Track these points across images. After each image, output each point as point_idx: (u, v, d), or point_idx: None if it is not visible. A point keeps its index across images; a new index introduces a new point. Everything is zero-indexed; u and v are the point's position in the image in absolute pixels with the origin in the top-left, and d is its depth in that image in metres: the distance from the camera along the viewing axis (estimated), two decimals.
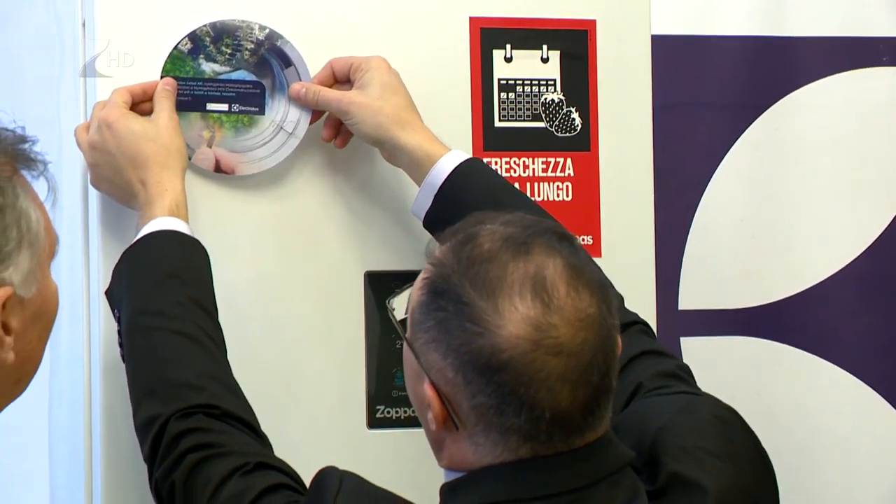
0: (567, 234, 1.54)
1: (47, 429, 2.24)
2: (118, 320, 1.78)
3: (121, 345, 1.78)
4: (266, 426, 1.72)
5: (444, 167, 1.83)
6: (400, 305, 1.61)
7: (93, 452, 1.95)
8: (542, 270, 1.48)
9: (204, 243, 1.82)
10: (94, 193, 1.94)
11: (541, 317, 1.42)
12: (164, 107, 1.87)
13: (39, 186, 1.50)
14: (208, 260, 1.82)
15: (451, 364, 1.47)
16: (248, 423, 1.72)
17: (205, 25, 1.83)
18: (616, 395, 1.61)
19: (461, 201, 1.78)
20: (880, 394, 2.50)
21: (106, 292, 1.81)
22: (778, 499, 1.64)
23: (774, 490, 1.64)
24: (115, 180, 1.87)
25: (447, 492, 1.52)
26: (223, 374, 1.77)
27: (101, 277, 1.90)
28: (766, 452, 1.61)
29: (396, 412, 1.98)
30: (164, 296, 1.78)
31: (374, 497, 1.57)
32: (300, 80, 1.89)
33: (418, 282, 1.51)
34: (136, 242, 1.79)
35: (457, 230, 1.56)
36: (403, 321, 1.56)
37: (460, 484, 1.51)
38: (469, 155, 1.87)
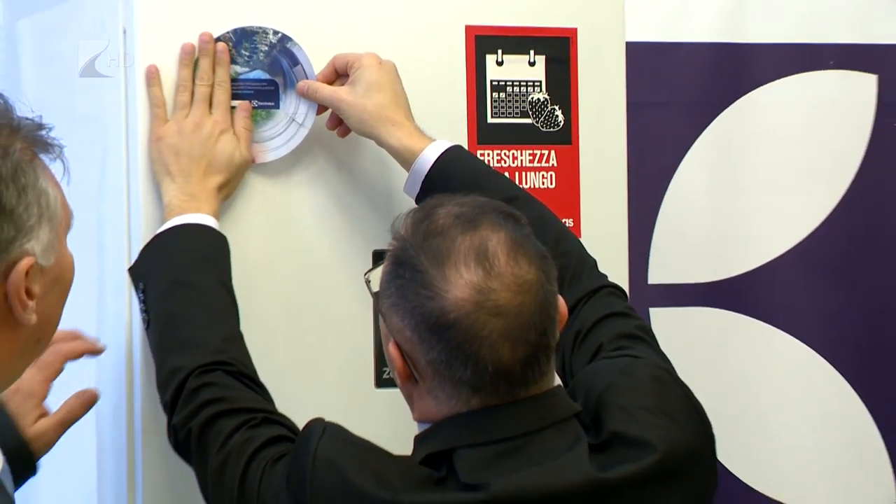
0: (513, 213, 1.59)
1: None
2: (142, 291, 1.82)
3: (144, 311, 1.82)
4: (282, 387, 1.75)
5: (427, 157, 1.85)
6: (375, 279, 1.65)
7: (134, 411, 1.95)
8: (486, 242, 1.53)
9: (227, 222, 1.85)
10: (135, 183, 1.93)
11: (482, 282, 1.48)
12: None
13: (55, 169, 1.50)
14: (230, 253, 1.86)
15: (408, 325, 1.53)
16: (258, 384, 1.75)
17: (228, 32, 1.85)
18: (580, 356, 1.73)
19: (447, 186, 1.78)
20: (825, 357, 2.50)
21: (130, 269, 1.84)
22: (714, 448, 1.66)
23: (711, 441, 1.65)
24: (166, 174, 1.90)
25: (418, 442, 1.57)
26: (240, 342, 1.80)
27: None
28: (700, 407, 1.64)
29: None
30: (199, 274, 1.82)
31: (353, 442, 1.61)
32: (306, 77, 1.92)
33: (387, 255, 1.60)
34: (172, 228, 1.83)
35: (417, 209, 1.63)
36: (377, 293, 1.61)
37: (426, 434, 1.57)
38: (452, 143, 1.89)
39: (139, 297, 1.82)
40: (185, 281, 1.83)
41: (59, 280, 1.49)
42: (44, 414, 1.91)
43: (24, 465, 1.88)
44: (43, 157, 1.45)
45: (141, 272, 1.82)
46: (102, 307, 2.08)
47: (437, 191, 1.78)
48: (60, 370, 1.90)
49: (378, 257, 1.81)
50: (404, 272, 1.53)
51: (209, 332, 1.79)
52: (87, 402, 1.91)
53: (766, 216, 2.47)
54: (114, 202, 1.98)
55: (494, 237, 1.52)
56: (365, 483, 1.52)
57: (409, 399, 1.59)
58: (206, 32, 1.89)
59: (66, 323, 1.93)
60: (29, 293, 1.40)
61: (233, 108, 1.96)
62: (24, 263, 1.39)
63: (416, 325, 1.51)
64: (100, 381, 2.14)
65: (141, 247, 1.86)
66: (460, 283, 1.48)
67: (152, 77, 1.91)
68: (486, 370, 1.48)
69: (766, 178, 2.47)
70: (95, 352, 1.92)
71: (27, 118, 1.44)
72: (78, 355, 1.92)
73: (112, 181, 1.99)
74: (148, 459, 1.94)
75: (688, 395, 1.65)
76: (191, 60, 1.91)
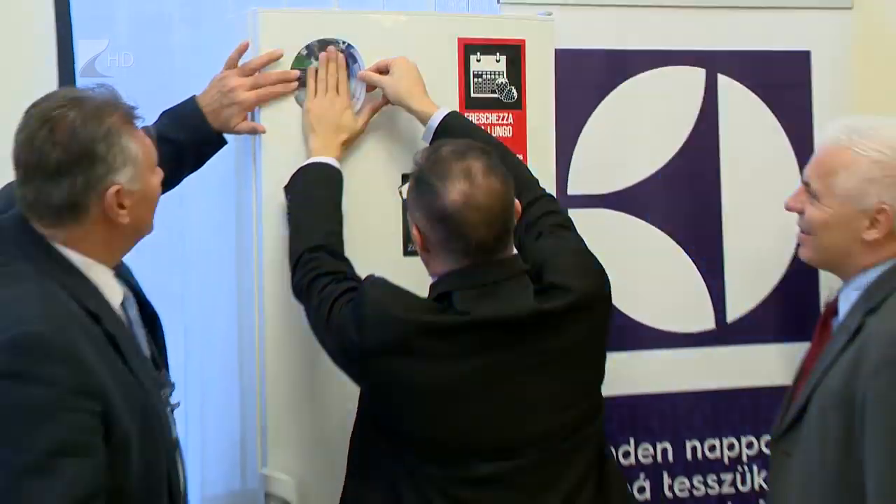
0: (487, 150, 1.89)
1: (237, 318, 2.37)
2: (288, 200, 2.10)
3: (288, 213, 2.11)
4: (351, 257, 2.04)
5: (436, 118, 2.11)
6: (404, 190, 2.01)
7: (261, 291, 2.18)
8: (470, 166, 1.83)
9: (299, 162, 2.13)
10: (260, 152, 2.17)
11: (468, 190, 1.80)
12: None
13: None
14: (342, 180, 2.13)
15: (424, 216, 1.84)
16: (343, 259, 2.03)
17: (314, 41, 2.14)
18: (530, 238, 2.03)
19: (448, 136, 2.07)
20: (673, 239, 2.62)
21: (284, 187, 2.12)
22: (610, 293, 1.98)
23: (608, 288, 1.97)
24: (311, 131, 2.15)
25: (431, 288, 1.89)
26: (338, 235, 2.08)
27: (263, 216, 2.14)
28: (602, 268, 1.97)
29: None
30: (319, 191, 2.11)
31: (391, 287, 1.89)
32: (361, 69, 2.19)
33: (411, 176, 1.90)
34: (310, 163, 2.13)
35: (428, 148, 1.95)
36: (405, 200, 1.95)
37: (436, 283, 1.88)
38: (451, 109, 2.14)
39: (287, 202, 2.12)
40: (310, 195, 2.10)
41: (145, 197, 1.74)
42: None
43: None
44: (134, 124, 1.71)
45: (288, 187, 2.11)
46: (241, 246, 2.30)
47: (442, 139, 2.10)
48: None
49: (405, 178, 2.13)
50: (421, 185, 1.85)
51: (320, 227, 2.06)
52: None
53: (640, 150, 2.59)
54: (246, 188, 2.23)
55: (475, 163, 1.82)
56: (397, 309, 1.83)
57: (426, 263, 1.91)
58: (330, 48, 2.15)
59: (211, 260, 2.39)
60: (121, 205, 1.69)
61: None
62: (112, 189, 1.67)
63: (428, 217, 1.83)
64: (240, 284, 2.41)
65: (264, 204, 2.14)
66: (454, 191, 1.79)
67: (311, 73, 2.16)
68: (470, 243, 1.80)
69: (641, 128, 2.59)
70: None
71: (123, 101, 1.72)
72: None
73: (243, 149, 2.24)
74: (270, 314, 2.16)
75: (594, 261, 1.98)
76: (325, 62, 2.16)
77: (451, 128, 2.09)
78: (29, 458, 1.50)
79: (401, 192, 2.13)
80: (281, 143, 2.15)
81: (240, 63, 2.19)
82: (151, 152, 1.74)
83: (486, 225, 1.80)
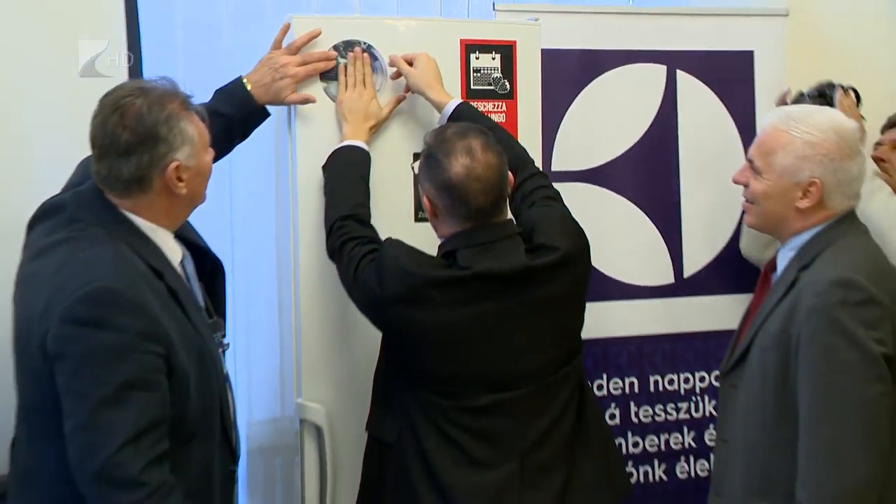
0: (485, 131, 1.92)
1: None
2: (324, 177, 2.12)
3: (324, 188, 2.13)
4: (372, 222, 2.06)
5: (448, 109, 2.16)
6: (416, 166, 2.06)
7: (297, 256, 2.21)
8: (471, 144, 1.87)
9: (329, 143, 2.16)
10: (297, 142, 2.18)
11: (469, 163, 1.86)
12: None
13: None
14: (370, 160, 2.15)
15: (433, 187, 1.89)
16: (369, 226, 2.05)
17: (340, 42, 2.21)
18: (524, 207, 2.05)
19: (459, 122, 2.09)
20: (638, 207, 2.66)
21: (322, 166, 2.15)
22: (589, 252, 2.02)
23: (588, 248, 2.01)
24: (344, 119, 2.18)
25: (439, 248, 1.94)
26: (366, 206, 2.10)
27: (299, 198, 2.17)
28: (583, 231, 2.01)
29: None
30: (349, 170, 2.14)
31: (405, 246, 1.91)
32: (382, 66, 2.22)
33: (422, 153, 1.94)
34: (343, 146, 2.16)
35: (436, 129, 1.97)
36: (416, 174, 2.01)
37: (444, 244, 1.93)
38: (461, 101, 2.18)
39: (323, 178, 2.15)
40: (342, 174, 2.14)
41: (199, 172, 1.77)
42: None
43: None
44: (190, 110, 1.72)
45: (325, 166, 2.15)
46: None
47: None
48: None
49: (416, 156, 2.18)
50: (430, 160, 1.91)
51: (349, 199, 2.10)
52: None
53: (612, 134, 2.62)
54: (283, 164, 2.27)
55: (475, 142, 1.88)
56: (410, 265, 1.87)
57: (434, 227, 1.97)
58: (356, 48, 2.19)
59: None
60: (179, 179, 1.72)
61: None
62: (173, 165, 1.70)
63: (436, 187, 1.89)
64: (279, 246, 2.43)
65: (299, 182, 2.17)
66: (458, 165, 1.85)
67: (342, 69, 2.19)
68: (471, 208, 1.87)
69: (612, 115, 2.62)
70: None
71: (181, 91, 1.75)
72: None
73: (283, 139, 2.29)
74: (305, 268, 2.18)
75: (577, 225, 2.02)
76: (353, 60, 2.20)
77: (461, 115, 2.12)
78: (105, 392, 1.55)
79: (413, 168, 2.19)
80: (312, 128, 2.20)
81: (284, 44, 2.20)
82: (205, 134, 1.77)
83: (484, 193, 1.86)
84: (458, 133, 1.92)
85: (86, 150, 1.71)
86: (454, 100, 2.17)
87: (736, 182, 2.04)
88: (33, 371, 1.62)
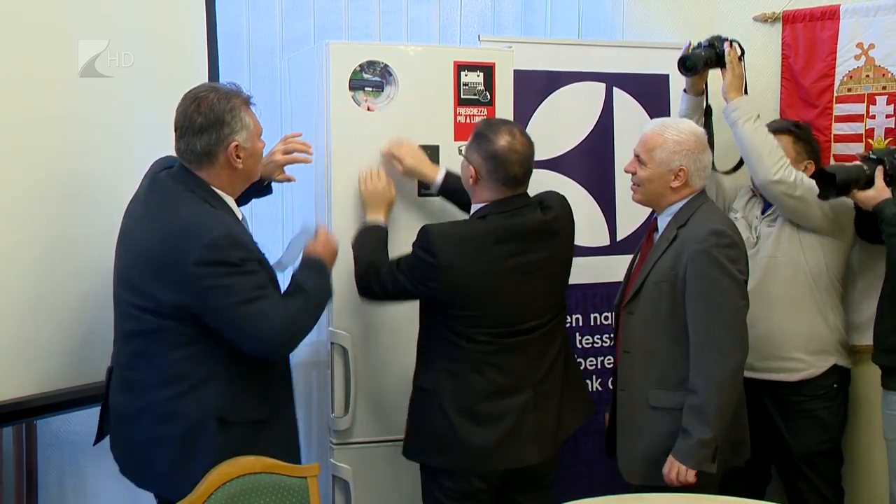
0: (518, 124, 2.10)
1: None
2: (356, 246, 2.20)
3: (355, 251, 2.20)
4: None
5: (440, 179, 2.33)
6: (464, 148, 2.15)
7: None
8: (512, 128, 2.07)
9: (355, 137, 2.32)
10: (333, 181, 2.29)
11: (510, 140, 2.06)
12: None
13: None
14: (387, 233, 2.23)
15: (479, 156, 2.06)
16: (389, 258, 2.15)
17: (364, 61, 2.36)
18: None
19: (451, 188, 2.30)
20: (589, 192, 2.85)
21: (353, 243, 2.22)
22: (574, 218, 2.22)
23: (572, 216, 2.22)
24: (366, 204, 2.27)
25: (473, 214, 2.11)
26: (387, 254, 2.17)
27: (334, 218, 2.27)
28: (568, 203, 2.22)
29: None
30: (382, 241, 2.23)
31: (446, 222, 2.09)
32: (395, 80, 2.34)
33: (473, 132, 2.11)
34: (373, 226, 2.26)
35: (485, 119, 2.21)
36: (465, 155, 2.14)
37: (479, 209, 2.08)
38: (446, 170, 2.30)
39: (355, 247, 2.20)
40: (369, 244, 2.22)
41: (253, 154, 1.91)
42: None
43: (264, 191, 2.28)
44: (249, 107, 1.90)
45: (356, 239, 2.23)
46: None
47: (448, 188, 2.29)
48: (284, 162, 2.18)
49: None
50: (479, 137, 2.09)
51: (374, 258, 2.19)
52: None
53: (565, 133, 2.78)
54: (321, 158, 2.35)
55: (514, 128, 2.10)
56: (456, 230, 2.05)
57: (472, 193, 2.11)
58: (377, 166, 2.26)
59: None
60: (238, 156, 1.86)
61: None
62: (233, 144, 1.85)
63: (483, 156, 2.07)
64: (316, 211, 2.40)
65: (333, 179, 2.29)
66: (502, 140, 2.05)
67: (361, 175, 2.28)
68: (508, 174, 2.05)
69: (566, 119, 2.81)
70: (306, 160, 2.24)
71: (246, 92, 1.91)
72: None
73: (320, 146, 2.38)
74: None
75: (566, 201, 2.24)
76: (368, 173, 2.26)
77: (449, 180, 2.32)
78: (244, 297, 1.82)
79: (460, 150, 2.25)
80: (346, 143, 2.38)
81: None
82: (259, 125, 1.92)
83: (520, 163, 2.06)
84: (502, 121, 2.17)
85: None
86: (441, 170, 2.37)
87: (626, 171, 2.28)
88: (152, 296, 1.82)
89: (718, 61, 2.59)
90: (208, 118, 1.82)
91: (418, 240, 2.03)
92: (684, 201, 2.24)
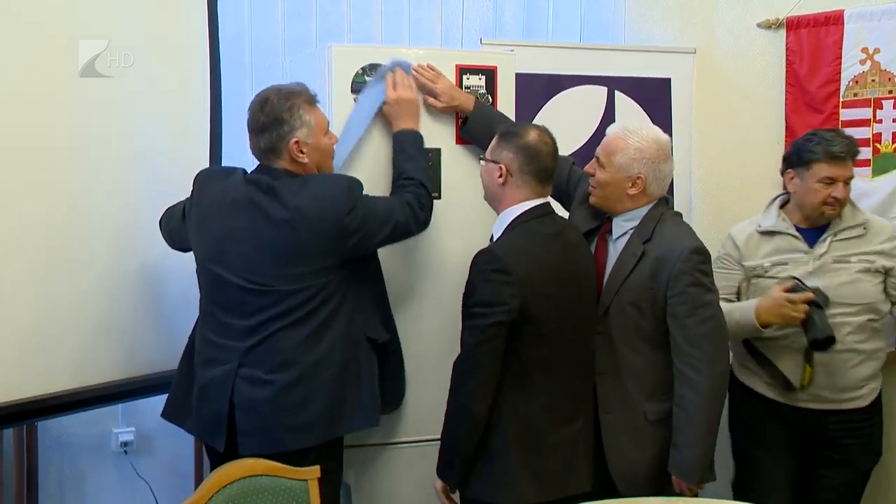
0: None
1: None
2: (415, 148, 2.20)
3: (417, 152, 2.19)
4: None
5: (474, 107, 2.29)
6: (488, 151, 2.09)
7: None
8: (538, 126, 2.03)
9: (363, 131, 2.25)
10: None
11: (541, 135, 2.02)
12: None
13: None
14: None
15: (510, 151, 2.00)
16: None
17: (366, 64, 2.30)
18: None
19: (485, 114, 2.28)
20: None
21: (413, 140, 2.21)
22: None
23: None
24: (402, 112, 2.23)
25: (509, 223, 2.00)
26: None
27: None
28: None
29: None
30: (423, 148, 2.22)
31: (501, 243, 1.96)
32: (393, 80, 2.24)
33: (497, 135, 2.05)
34: (419, 134, 2.24)
35: (506, 125, 2.11)
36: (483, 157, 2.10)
37: (512, 222, 1.98)
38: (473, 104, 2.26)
39: (415, 149, 2.17)
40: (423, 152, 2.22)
41: (317, 149, 1.99)
42: None
43: None
44: (312, 104, 1.96)
45: (416, 141, 2.21)
46: None
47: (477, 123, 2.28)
48: None
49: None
50: (507, 135, 2.04)
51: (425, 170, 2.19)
52: None
53: (567, 135, 2.57)
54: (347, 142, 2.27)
55: (541, 126, 2.05)
56: (518, 244, 1.96)
57: (498, 199, 2.02)
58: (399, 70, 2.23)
59: None
60: (301, 151, 1.95)
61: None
62: (294, 140, 1.94)
63: (514, 150, 2.01)
64: None
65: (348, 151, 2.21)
66: (532, 133, 2.02)
67: (389, 77, 2.23)
68: (539, 168, 2.00)
69: (568, 122, 2.78)
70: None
71: (310, 91, 2.00)
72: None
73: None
74: None
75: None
76: (403, 77, 2.25)
77: (478, 106, 2.31)
78: (385, 219, 1.95)
79: (482, 158, 2.17)
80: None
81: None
82: (323, 121, 1.99)
83: (551, 156, 2.03)
84: (527, 122, 2.18)
85: None
86: (471, 98, 2.33)
87: (586, 172, 2.21)
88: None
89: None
90: (269, 117, 1.91)
91: (487, 258, 1.93)
92: (643, 209, 2.18)
